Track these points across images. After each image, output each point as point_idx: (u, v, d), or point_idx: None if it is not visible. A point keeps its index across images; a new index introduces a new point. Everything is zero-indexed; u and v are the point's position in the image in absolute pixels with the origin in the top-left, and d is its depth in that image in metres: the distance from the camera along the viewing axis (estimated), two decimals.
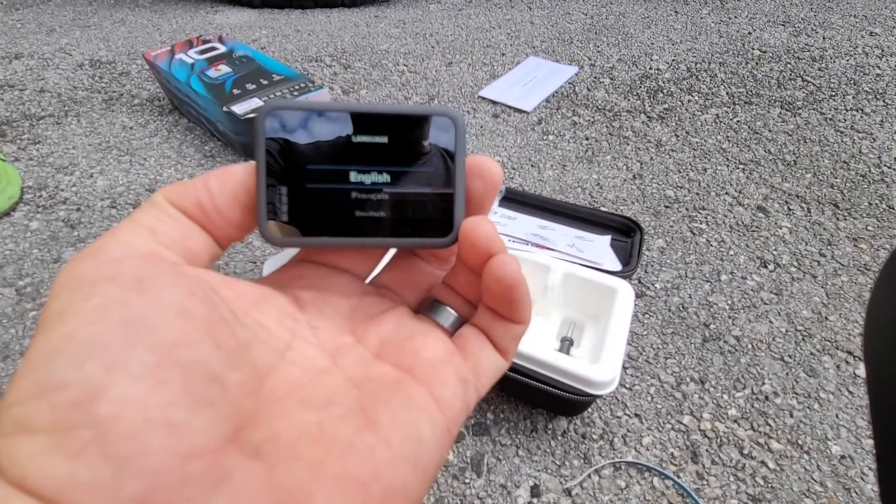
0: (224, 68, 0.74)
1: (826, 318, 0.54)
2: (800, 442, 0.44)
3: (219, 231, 0.14)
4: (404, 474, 0.12)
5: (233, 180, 0.14)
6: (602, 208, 0.66)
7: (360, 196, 0.15)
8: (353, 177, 0.15)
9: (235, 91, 0.70)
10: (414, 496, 0.13)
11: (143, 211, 0.13)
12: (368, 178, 0.15)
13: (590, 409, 0.46)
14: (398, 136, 0.15)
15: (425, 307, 0.17)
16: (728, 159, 0.76)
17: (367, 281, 0.17)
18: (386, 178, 0.15)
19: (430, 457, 0.13)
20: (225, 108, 0.66)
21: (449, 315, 0.16)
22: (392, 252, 0.18)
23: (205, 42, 0.81)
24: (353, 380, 0.14)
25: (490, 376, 0.15)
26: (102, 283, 0.11)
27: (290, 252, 0.53)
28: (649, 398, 0.48)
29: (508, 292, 0.14)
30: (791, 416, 0.46)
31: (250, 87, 0.71)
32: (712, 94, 0.91)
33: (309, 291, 0.15)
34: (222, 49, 0.80)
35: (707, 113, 0.86)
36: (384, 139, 0.15)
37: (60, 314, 0.11)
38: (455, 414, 0.14)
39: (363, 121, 0.15)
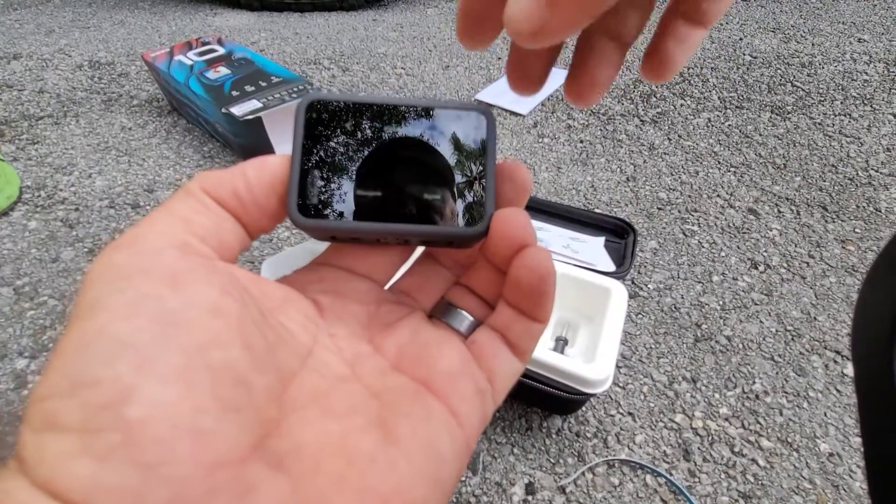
0: (223, 70, 0.75)
1: (815, 318, 0.55)
2: (789, 440, 0.45)
3: (252, 221, 0.14)
4: (424, 491, 0.12)
5: (270, 169, 0.14)
6: (596, 210, 0.67)
7: (392, 183, 0.15)
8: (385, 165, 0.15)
9: (234, 93, 0.70)
10: None
11: (179, 200, 0.13)
12: (401, 167, 0.15)
13: (584, 408, 0.47)
14: (432, 129, 0.15)
15: (440, 311, 0.16)
16: (719, 162, 0.77)
17: (387, 287, 0.17)
18: (418, 167, 0.15)
19: (449, 473, 0.13)
20: (224, 110, 0.66)
21: (464, 319, 0.16)
22: (412, 259, 0.18)
23: (204, 44, 0.82)
24: (371, 389, 0.14)
25: (506, 383, 0.15)
26: (137, 277, 0.11)
27: (289, 255, 0.53)
28: (642, 397, 0.48)
29: (540, 283, 0.14)
30: (781, 414, 0.47)
31: (249, 88, 0.71)
32: (704, 98, 0.92)
33: (328, 296, 0.15)
34: (221, 51, 0.80)
35: (699, 117, 0.87)
36: (417, 131, 0.15)
37: (94, 306, 0.11)
38: (473, 428, 0.14)
39: (398, 113, 0.15)
